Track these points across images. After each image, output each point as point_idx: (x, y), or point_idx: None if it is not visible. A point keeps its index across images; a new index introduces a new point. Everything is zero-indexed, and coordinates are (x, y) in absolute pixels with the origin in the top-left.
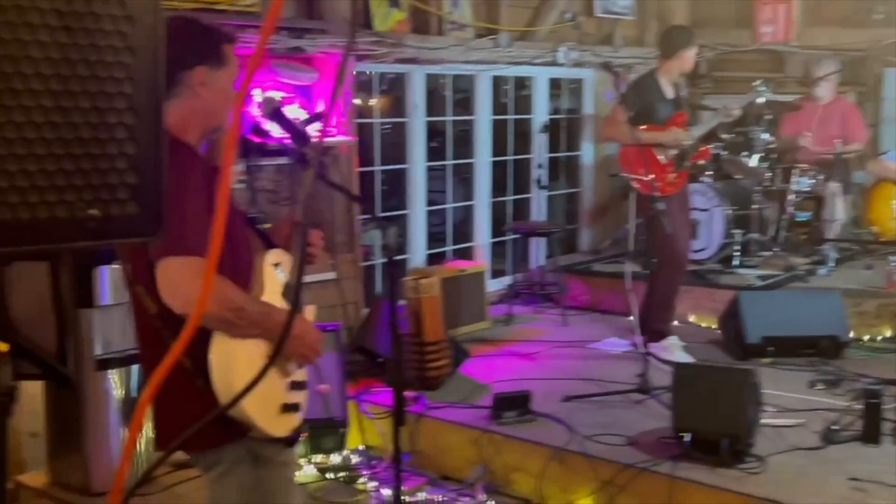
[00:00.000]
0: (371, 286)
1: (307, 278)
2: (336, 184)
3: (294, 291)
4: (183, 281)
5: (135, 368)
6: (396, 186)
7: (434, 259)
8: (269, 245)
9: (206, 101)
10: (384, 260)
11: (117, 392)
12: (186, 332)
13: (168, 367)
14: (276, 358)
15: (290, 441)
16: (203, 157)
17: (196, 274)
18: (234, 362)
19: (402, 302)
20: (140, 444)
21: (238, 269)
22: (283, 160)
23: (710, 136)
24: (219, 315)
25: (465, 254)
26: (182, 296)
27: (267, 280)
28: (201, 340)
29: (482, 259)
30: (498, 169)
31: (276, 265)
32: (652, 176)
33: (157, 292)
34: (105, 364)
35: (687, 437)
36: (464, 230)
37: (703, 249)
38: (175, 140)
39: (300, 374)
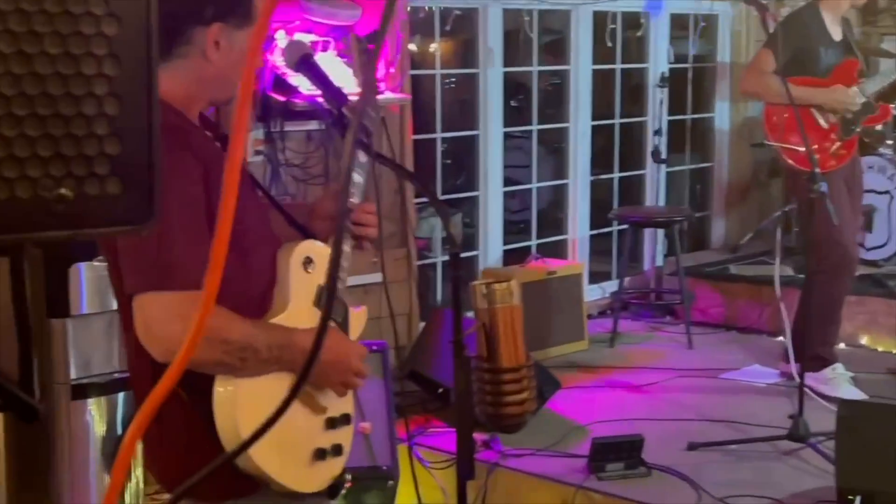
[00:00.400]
0: (429, 292)
1: (348, 279)
2: (383, 156)
3: (326, 299)
4: (160, 321)
5: (122, 397)
6: (463, 160)
7: (514, 257)
8: (301, 234)
9: (219, 67)
10: (446, 258)
11: (98, 427)
12: (172, 370)
13: (160, 396)
14: (297, 393)
15: (331, 492)
16: (202, 129)
17: (178, 313)
18: (244, 396)
19: (469, 314)
20: (128, 493)
21: (252, 273)
22: (313, 125)
23: (891, 93)
24: (214, 359)
25: (556, 250)
26: (159, 341)
27: (294, 284)
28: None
29: (578, 257)
30: (600, 136)
31: (308, 262)
32: (812, 146)
33: None
34: (83, 391)
35: (856, 500)
36: (554, 218)
37: (880, 246)
38: (166, 120)
39: (341, 406)
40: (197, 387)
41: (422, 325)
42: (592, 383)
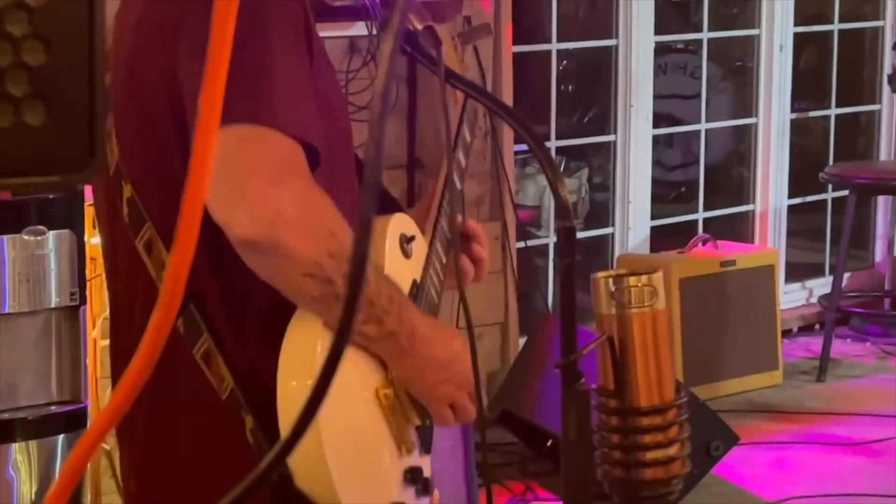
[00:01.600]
0: (536, 291)
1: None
2: (462, 81)
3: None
4: (261, 172)
5: (61, 441)
6: (592, 86)
7: (668, 238)
8: (389, 205)
9: None
10: (557, 236)
11: (25, 487)
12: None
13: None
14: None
15: None
16: None
17: (290, 168)
18: (329, 425)
19: (591, 327)
20: None
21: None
22: (358, 28)
23: None
24: (312, 259)
25: (735, 228)
26: (252, 204)
27: (389, 263)
28: (264, 337)
29: (770, 240)
30: (808, 51)
31: (406, 240)
32: None
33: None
34: (4, 432)
35: None
36: (732, 179)
37: None
38: None
39: (422, 461)
40: (245, 368)
41: (523, 340)
42: (788, 437)
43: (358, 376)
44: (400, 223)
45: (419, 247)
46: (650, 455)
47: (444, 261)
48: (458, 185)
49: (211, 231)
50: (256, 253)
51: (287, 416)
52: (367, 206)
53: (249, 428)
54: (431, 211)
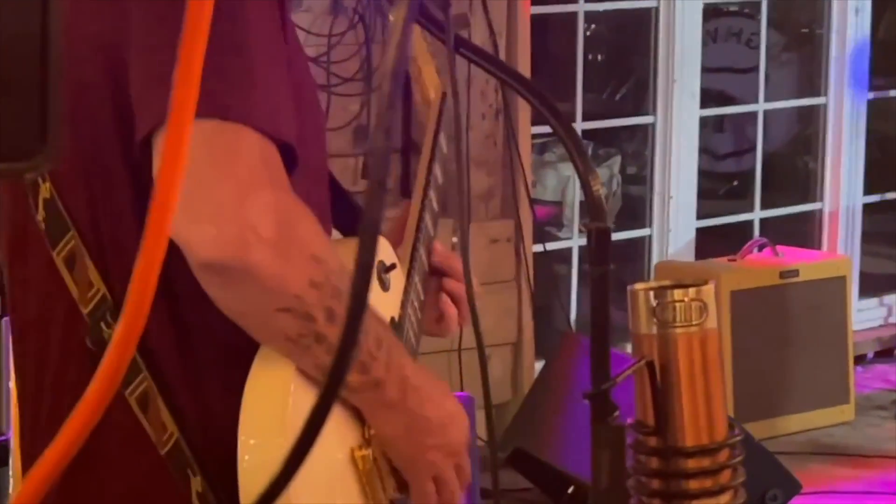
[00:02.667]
0: (556, 304)
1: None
2: (473, 49)
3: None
4: (232, 179)
5: None
6: (627, 56)
7: (717, 242)
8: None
9: None
10: (588, 239)
11: None
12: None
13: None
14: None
15: None
16: None
17: (267, 175)
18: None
19: (625, 349)
20: None
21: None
22: None
23: None
24: (292, 290)
25: (799, 231)
26: (220, 219)
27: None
28: (219, 376)
29: (841, 247)
30: (886, 11)
31: (388, 268)
32: None
33: (109, 252)
34: None
35: None
36: (796, 171)
37: None
38: None
39: None
40: (201, 416)
41: (539, 365)
42: (862, 485)
43: (333, 434)
44: (381, 250)
45: (397, 278)
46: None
47: (423, 297)
48: (434, 205)
49: None
50: (222, 280)
51: (249, 480)
52: (372, 216)
53: (197, 490)
54: (406, 235)
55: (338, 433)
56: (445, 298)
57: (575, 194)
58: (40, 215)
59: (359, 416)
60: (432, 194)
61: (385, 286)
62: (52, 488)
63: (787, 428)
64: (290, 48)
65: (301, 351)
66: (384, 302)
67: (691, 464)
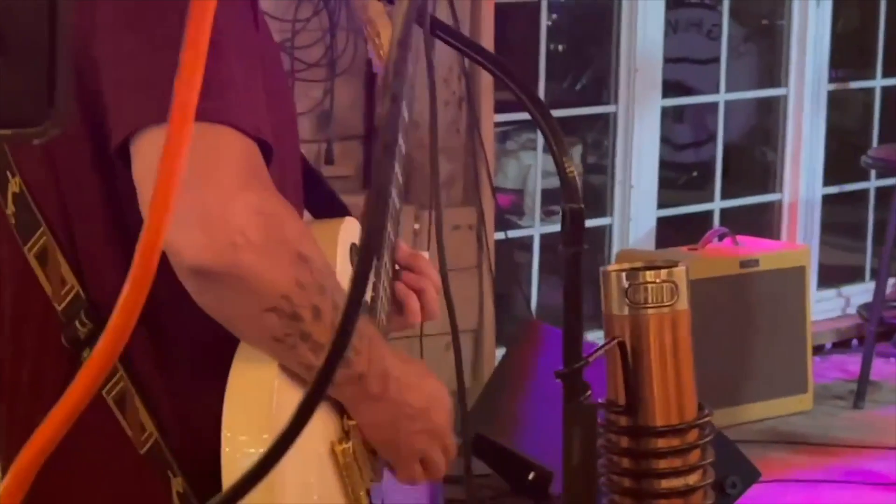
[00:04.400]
0: (517, 292)
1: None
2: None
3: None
4: (216, 182)
5: None
6: (588, 44)
7: (677, 231)
8: (332, 206)
9: None
10: (552, 228)
11: None
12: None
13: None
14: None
15: None
16: None
17: (250, 175)
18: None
19: (593, 335)
20: None
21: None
22: None
23: None
24: (278, 289)
25: (758, 221)
26: (208, 223)
27: (340, 279)
28: (198, 374)
29: (800, 236)
30: (846, 4)
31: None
32: None
33: (83, 253)
34: None
35: None
36: (755, 161)
37: None
38: None
39: None
40: (184, 418)
41: (501, 352)
42: (819, 473)
43: (315, 427)
44: (350, 230)
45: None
46: (666, 483)
47: (391, 274)
48: (399, 177)
49: (129, 244)
50: (211, 284)
51: (234, 475)
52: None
53: (177, 491)
54: None
55: (318, 427)
56: (407, 291)
57: (536, 183)
58: (10, 209)
59: (337, 409)
60: (396, 166)
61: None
62: (30, 489)
63: (747, 416)
64: (261, 36)
65: (286, 350)
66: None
67: (661, 443)
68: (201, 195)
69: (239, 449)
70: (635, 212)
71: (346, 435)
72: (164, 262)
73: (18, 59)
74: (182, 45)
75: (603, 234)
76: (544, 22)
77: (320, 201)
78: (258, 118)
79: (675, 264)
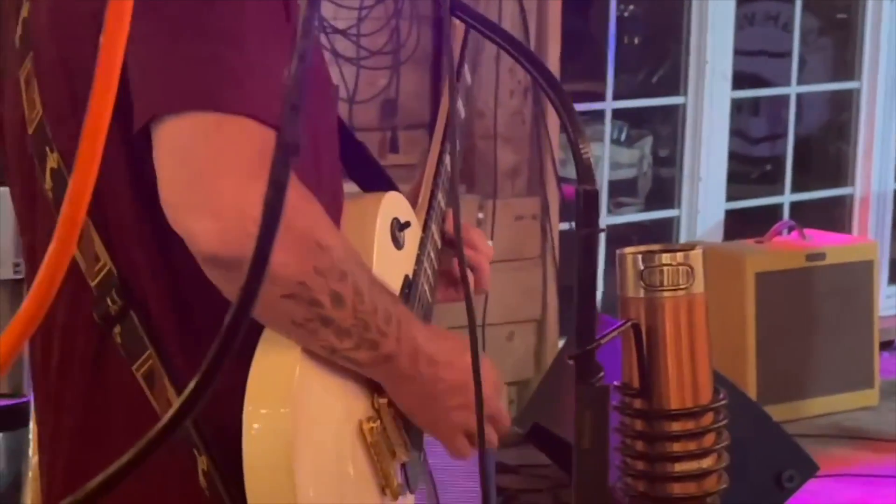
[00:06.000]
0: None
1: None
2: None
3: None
4: (232, 170)
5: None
6: (660, 40)
7: (746, 224)
8: (379, 180)
9: None
10: (630, 217)
11: None
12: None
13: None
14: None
15: None
16: None
17: (260, 161)
18: (305, 430)
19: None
20: None
21: (323, 187)
22: None
23: None
24: (296, 277)
25: (828, 215)
26: (222, 212)
27: (377, 255)
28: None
29: (871, 231)
30: None
31: (399, 226)
32: None
33: (115, 232)
34: None
35: None
36: (827, 156)
37: None
38: None
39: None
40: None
41: (563, 342)
42: (881, 469)
43: (340, 407)
44: (393, 204)
45: (412, 235)
46: (680, 467)
47: (440, 246)
48: (448, 169)
49: (159, 221)
50: (226, 272)
51: (254, 454)
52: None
53: (202, 469)
54: (425, 183)
55: (345, 405)
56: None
57: (604, 174)
58: (48, 184)
59: (368, 388)
60: (448, 155)
61: (399, 244)
62: (61, 465)
63: (810, 411)
64: (293, 24)
65: (308, 334)
66: (397, 260)
67: (675, 426)
68: (217, 184)
69: (260, 421)
70: (703, 204)
71: (376, 413)
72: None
73: None
74: (205, 33)
75: (671, 225)
76: (614, 12)
77: (364, 172)
78: (275, 105)
79: (692, 247)
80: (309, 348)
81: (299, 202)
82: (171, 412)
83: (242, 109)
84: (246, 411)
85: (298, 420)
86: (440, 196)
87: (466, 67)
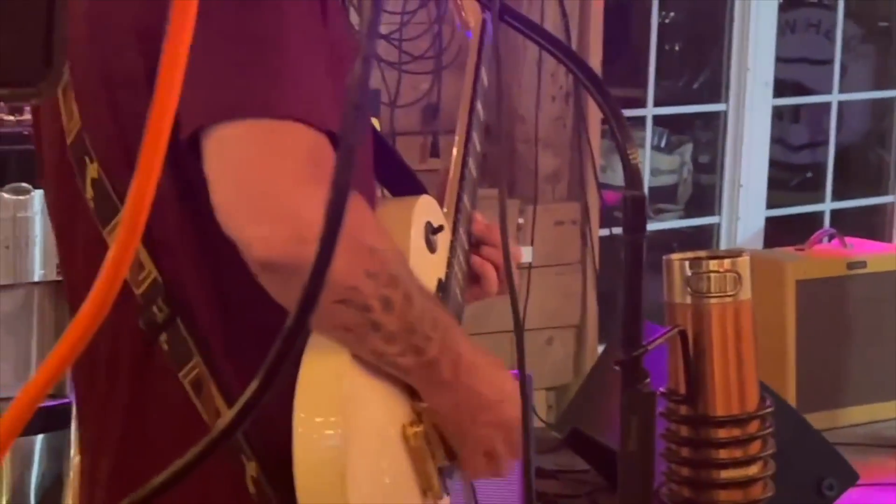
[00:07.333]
0: (620, 287)
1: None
2: (522, 19)
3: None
4: (286, 176)
5: (40, 442)
6: (701, 47)
7: (787, 232)
8: (410, 184)
9: None
10: (623, 207)
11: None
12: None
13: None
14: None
15: None
16: None
17: (319, 168)
18: (358, 436)
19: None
20: None
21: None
22: None
23: None
24: (348, 282)
25: (868, 223)
26: (277, 217)
27: (414, 259)
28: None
29: None
30: None
31: (433, 230)
32: None
33: (162, 249)
34: None
35: None
36: (869, 163)
37: None
38: None
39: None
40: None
41: (602, 349)
42: None
43: (385, 411)
44: (426, 208)
45: (443, 237)
46: (726, 474)
47: (467, 247)
48: (478, 146)
49: (204, 228)
50: (280, 277)
51: (307, 461)
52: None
53: (251, 475)
54: (450, 186)
55: (388, 410)
56: (484, 262)
57: (644, 180)
58: (89, 194)
59: (408, 392)
60: (475, 136)
61: (433, 248)
62: (108, 471)
63: (850, 419)
64: (332, 23)
65: (358, 339)
66: (431, 264)
67: (721, 433)
68: (269, 190)
69: (309, 433)
70: (743, 211)
71: (417, 417)
72: (237, 250)
73: (16, 18)
74: (249, 40)
75: (711, 232)
76: (655, 18)
77: (396, 178)
78: (325, 109)
79: (739, 254)
80: (356, 353)
81: (354, 207)
82: (231, 414)
83: (292, 114)
84: (297, 418)
85: (349, 427)
86: (465, 198)
87: (484, 69)
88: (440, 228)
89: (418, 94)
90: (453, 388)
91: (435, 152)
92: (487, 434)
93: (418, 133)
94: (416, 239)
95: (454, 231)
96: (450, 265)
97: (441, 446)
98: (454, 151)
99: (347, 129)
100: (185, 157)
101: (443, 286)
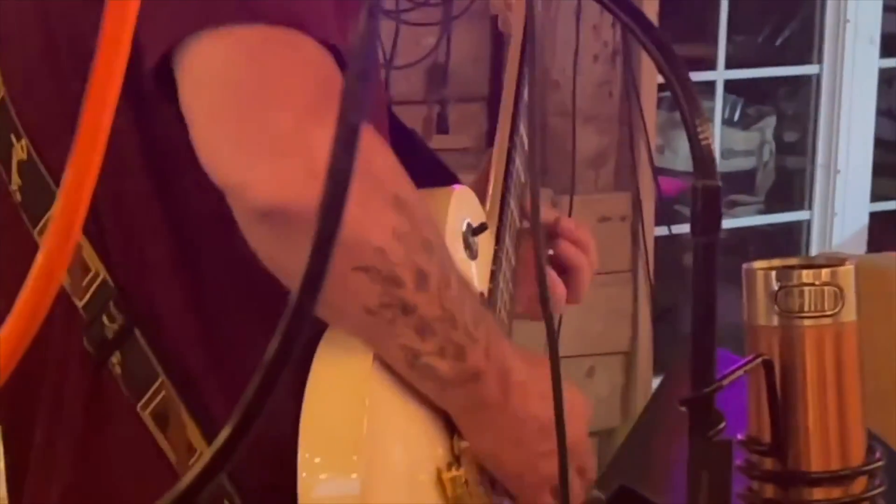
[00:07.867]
0: (684, 303)
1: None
2: None
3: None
4: (292, 101)
5: None
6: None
7: (893, 230)
8: (437, 173)
9: None
10: (693, 200)
11: None
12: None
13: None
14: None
15: None
16: None
17: (332, 93)
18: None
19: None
20: None
21: None
22: None
23: None
24: (376, 251)
25: None
26: (281, 153)
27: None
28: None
29: None
30: None
31: (476, 230)
32: None
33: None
34: None
35: None
36: None
37: None
38: None
39: None
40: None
41: (658, 382)
42: None
43: (417, 450)
44: (463, 202)
45: (485, 243)
46: None
47: (514, 262)
48: (525, 141)
49: (175, 202)
50: (283, 230)
51: None
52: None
53: None
54: (493, 186)
55: (422, 449)
56: (552, 273)
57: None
58: (15, 183)
59: (447, 429)
60: (522, 128)
61: (473, 253)
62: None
63: None
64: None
65: (384, 327)
66: (471, 273)
67: (817, 494)
68: (271, 120)
69: (320, 474)
70: (842, 204)
71: (456, 460)
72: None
73: None
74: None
75: (799, 231)
76: None
77: (419, 165)
78: (329, 19)
79: (840, 262)
80: (380, 358)
81: (373, 142)
82: (215, 445)
83: (297, 22)
84: (302, 459)
85: (371, 470)
86: (512, 202)
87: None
88: (483, 227)
89: (422, 53)
90: (501, 411)
91: (442, 127)
92: (552, 466)
93: (421, 102)
94: (451, 241)
95: (498, 241)
96: (494, 279)
97: (483, 494)
98: (499, 136)
99: (357, 51)
100: (150, 103)
101: (486, 303)
